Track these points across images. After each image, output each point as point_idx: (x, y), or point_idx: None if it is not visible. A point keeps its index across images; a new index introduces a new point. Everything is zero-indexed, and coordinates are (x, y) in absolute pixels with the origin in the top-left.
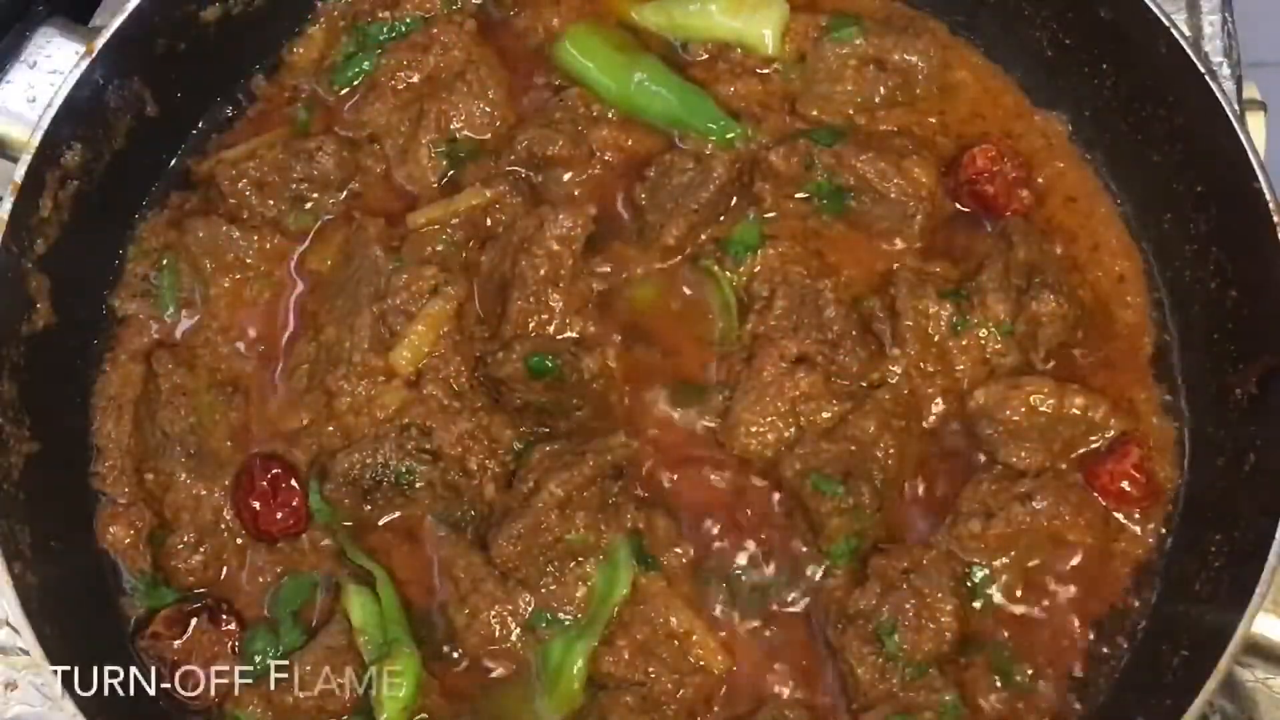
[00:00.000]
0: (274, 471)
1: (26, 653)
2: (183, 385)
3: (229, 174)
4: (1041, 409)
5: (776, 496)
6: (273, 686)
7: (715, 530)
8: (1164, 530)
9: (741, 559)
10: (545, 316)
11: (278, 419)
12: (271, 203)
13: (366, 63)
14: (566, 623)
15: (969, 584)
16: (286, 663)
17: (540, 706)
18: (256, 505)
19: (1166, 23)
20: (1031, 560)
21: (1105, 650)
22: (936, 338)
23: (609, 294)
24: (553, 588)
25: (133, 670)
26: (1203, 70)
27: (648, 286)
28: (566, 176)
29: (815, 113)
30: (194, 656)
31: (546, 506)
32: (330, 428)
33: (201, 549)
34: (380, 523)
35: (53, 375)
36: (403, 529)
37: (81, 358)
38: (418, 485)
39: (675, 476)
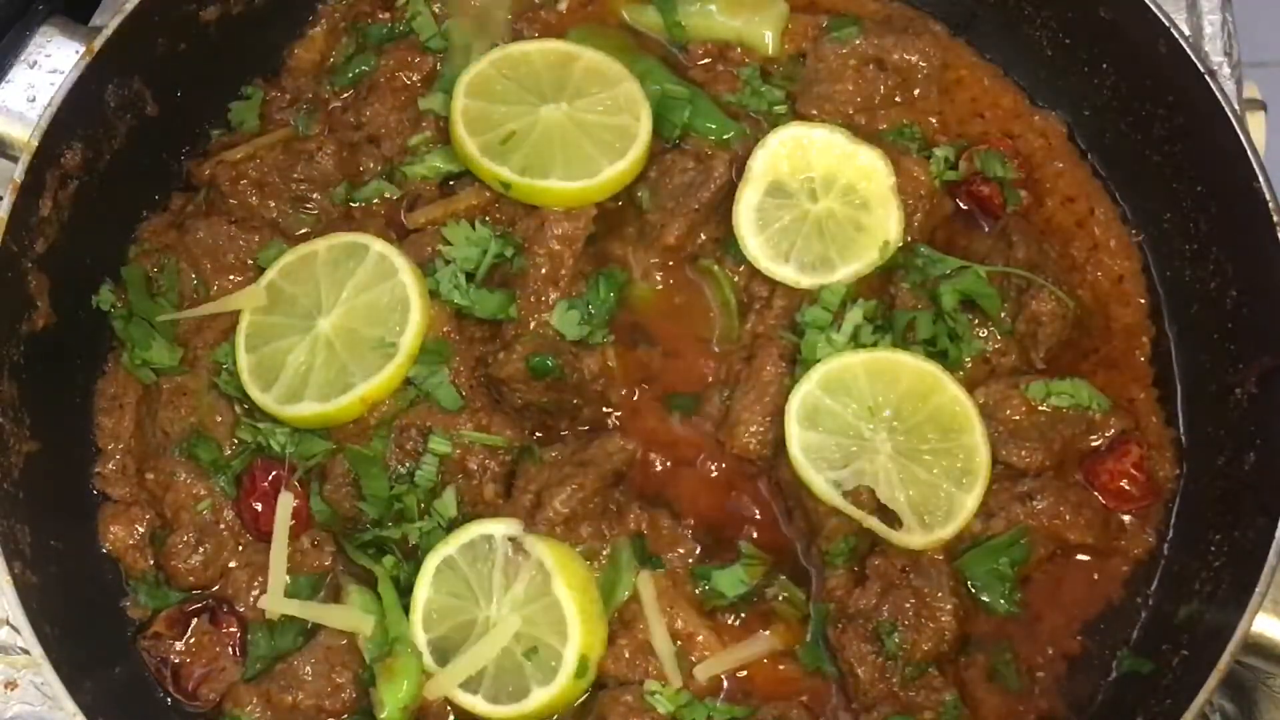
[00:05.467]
0: (274, 472)
1: (27, 652)
2: (183, 385)
3: (229, 175)
4: (1041, 408)
5: (776, 496)
6: (273, 687)
7: (716, 529)
8: (1164, 529)
9: (740, 558)
10: (546, 316)
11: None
12: (272, 204)
13: (366, 63)
14: None
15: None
16: (287, 663)
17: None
18: (257, 506)
19: (1166, 23)
20: (1031, 559)
21: (1105, 650)
22: None
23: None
24: None
25: (132, 670)
26: (1203, 70)
27: (648, 286)
28: None
29: (815, 113)
30: (195, 657)
31: (551, 524)
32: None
33: (201, 549)
34: None
35: (53, 375)
36: None
37: (81, 357)
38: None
39: (676, 476)
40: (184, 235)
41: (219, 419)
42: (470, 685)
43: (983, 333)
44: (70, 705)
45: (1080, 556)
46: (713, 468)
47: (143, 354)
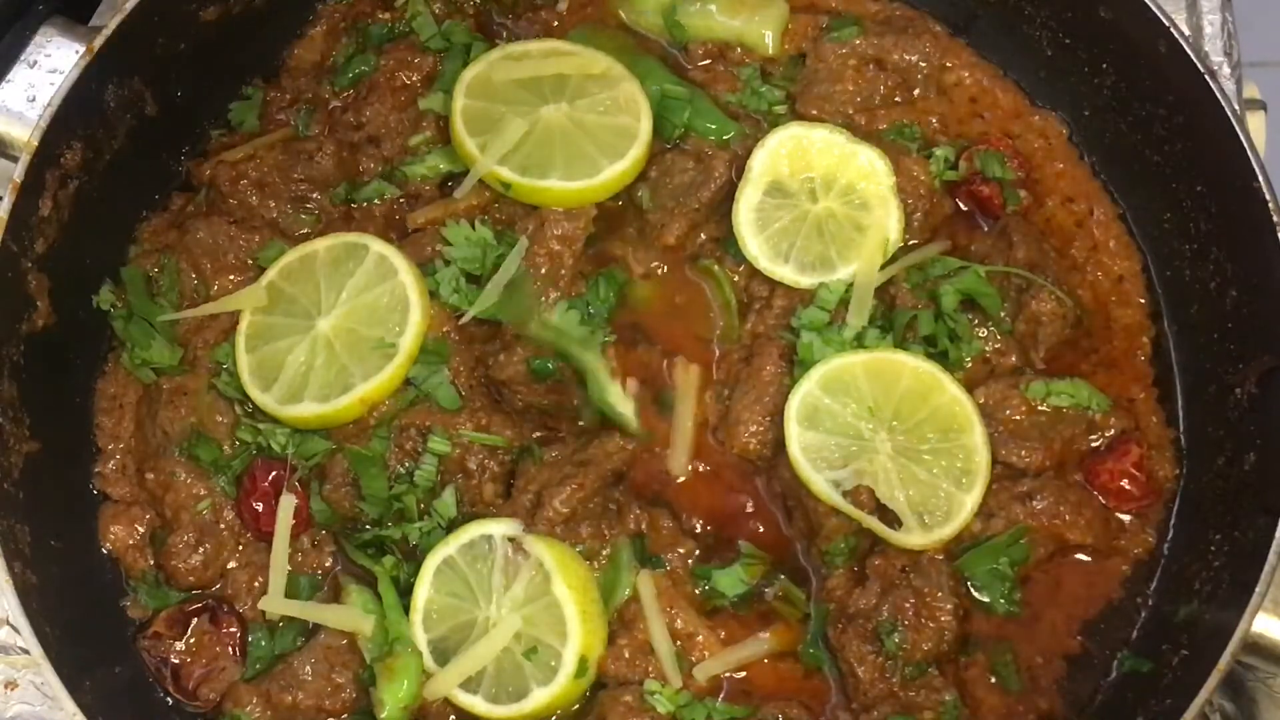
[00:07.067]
0: (275, 472)
1: (27, 652)
2: (183, 385)
3: (229, 175)
4: (1041, 408)
5: (776, 496)
6: (273, 687)
7: (715, 529)
8: (1164, 529)
9: (740, 558)
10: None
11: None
12: (272, 204)
13: (366, 63)
14: None
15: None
16: (287, 663)
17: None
18: (258, 506)
19: (1166, 22)
20: (1031, 559)
21: (1105, 650)
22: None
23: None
24: None
25: (133, 670)
26: (1203, 70)
27: (648, 286)
28: None
29: (815, 113)
30: (195, 657)
31: (551, 524)
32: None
33: (201, 549)
34: None
35: (53, 375)
36: None
37: (81, 358)
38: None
39: (675, 476)
40: (184, 235)
41: (219, 419)
42: (470, 685)
43: (983, 333)
44: (70, 705)
45: (1080, 556)
46: (711, 467)
47: (143, 354)
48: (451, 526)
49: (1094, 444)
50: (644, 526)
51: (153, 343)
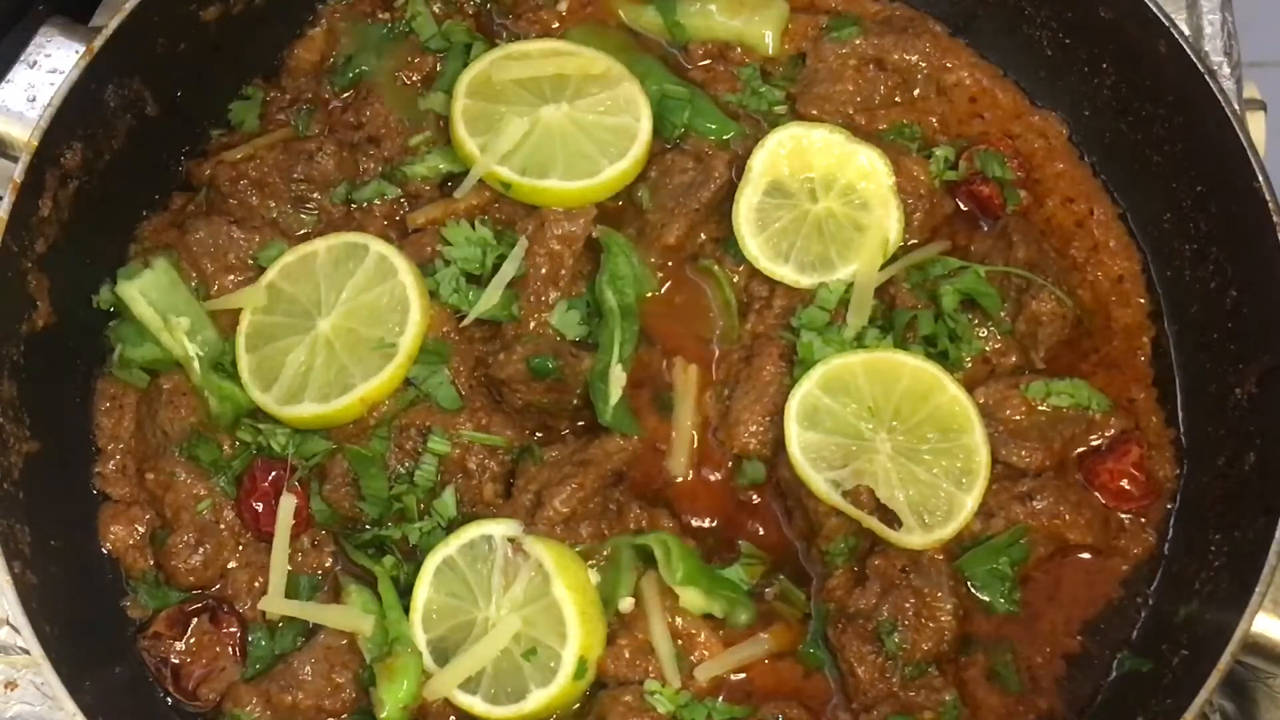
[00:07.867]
0: (275, 472)
1: (27, 652)
2: (183, 385)
3: (229, 175)
4: (1041, 408)
5: (776, 496)
6: (273, 687)
7: (714, 529)
8: (1164, 529)
9: (740, 558)
10: (546, 316)
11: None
12: (272, 204)
13: (366, 63)
14: None
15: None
16: (287, 663)
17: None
18: (258, 506)
19: (1166, 23)
20: (1031, 559)
21: (1105, 650)
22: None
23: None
24: None
25: (133, 670)
26: (1203, 70)
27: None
28: None
29: (815, 113)
30: (195, 657)
31: (551, 523)
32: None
33: (201, 549)
34: None
35: (53, 375)
36: None
37: (81, 357)
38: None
39: (675, 476)
40: (184, 235)
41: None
42: (469, 686)
43: (983, 333)
44: (70, 705)
45: (1080, 556)
46: (711, 467)
47: (132, 353)
48: (451, 526)
49: (1094, 444)
50: (644, 526)
51: (145, 342)
